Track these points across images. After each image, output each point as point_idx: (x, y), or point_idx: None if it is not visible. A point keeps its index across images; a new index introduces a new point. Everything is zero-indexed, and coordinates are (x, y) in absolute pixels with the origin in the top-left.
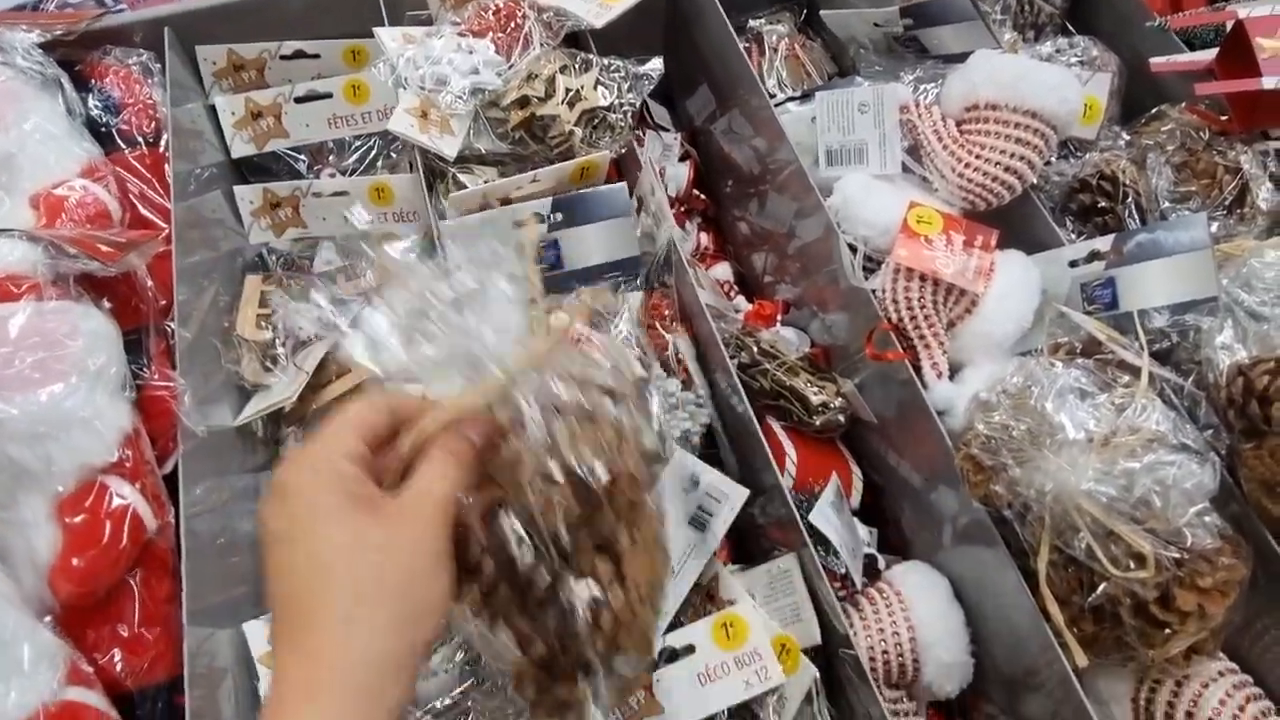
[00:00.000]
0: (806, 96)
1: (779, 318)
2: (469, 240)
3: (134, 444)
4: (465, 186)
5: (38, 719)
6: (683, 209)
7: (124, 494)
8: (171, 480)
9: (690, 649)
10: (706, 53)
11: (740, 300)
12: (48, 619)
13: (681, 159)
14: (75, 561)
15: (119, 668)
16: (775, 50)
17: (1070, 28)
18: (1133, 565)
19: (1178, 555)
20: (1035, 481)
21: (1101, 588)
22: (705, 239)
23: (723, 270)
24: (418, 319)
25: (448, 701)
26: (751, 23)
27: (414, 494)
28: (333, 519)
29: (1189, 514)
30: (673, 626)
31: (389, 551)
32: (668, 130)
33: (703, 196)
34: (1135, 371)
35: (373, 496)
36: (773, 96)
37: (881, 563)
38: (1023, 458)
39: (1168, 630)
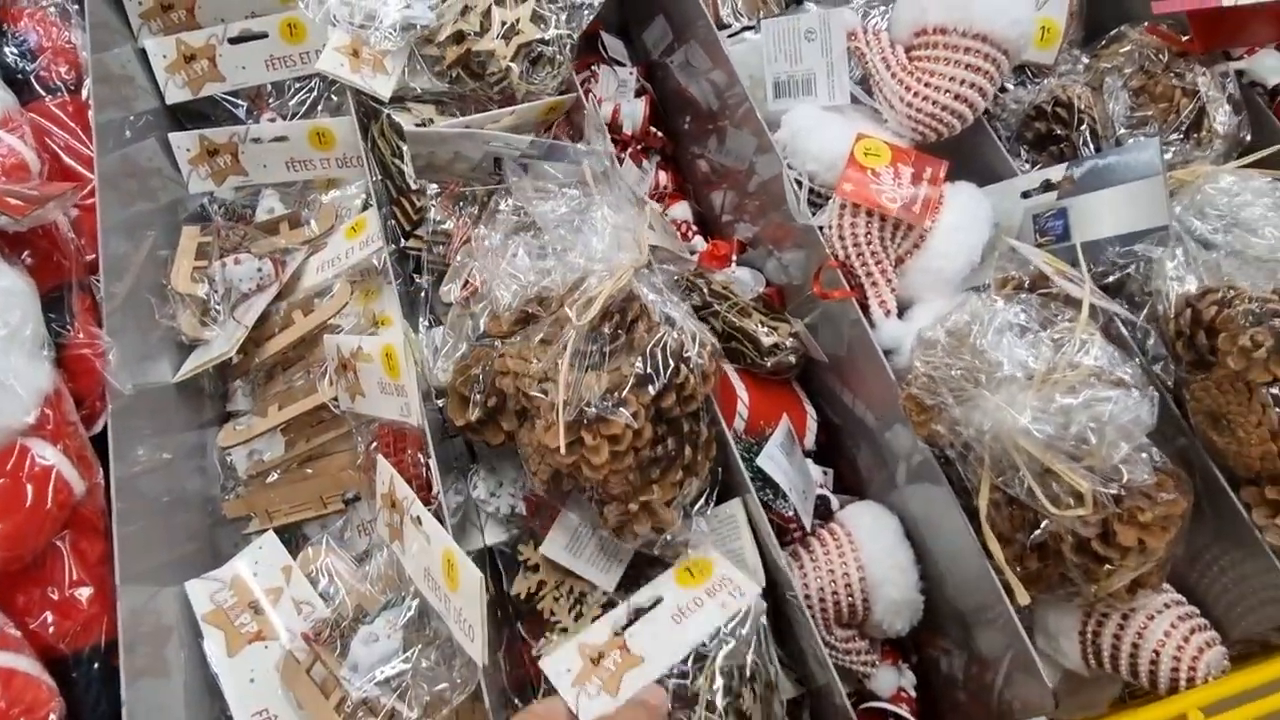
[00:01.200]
0: None
1: (734, 258)
2: (536, 172)
3: (55, 405)
4: (400, 127)
5: None
6: (640, 147)
7: (46, 456)
8: (103, 440)
9: (658, 601)
10: None
11: (698, 240)
12: None
13: (638, 94)
14: None
15: (51, 631)
16: None
17: None
18: (1072, 503)
19: (1116, 492)
20: (974, 420)
21: (1043, 525)
22: (664, 177)
23: (681, 210)
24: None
25: (390, 672)
26: None
27: None
28: None
29: (1125, 450)
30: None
31: None
32: (623, 64)
33: (660, 134)
34: (1081, 306)
35: None
36: (727, 26)
37: (835, 503)
38: (962, 396)
39: (1109, 566)
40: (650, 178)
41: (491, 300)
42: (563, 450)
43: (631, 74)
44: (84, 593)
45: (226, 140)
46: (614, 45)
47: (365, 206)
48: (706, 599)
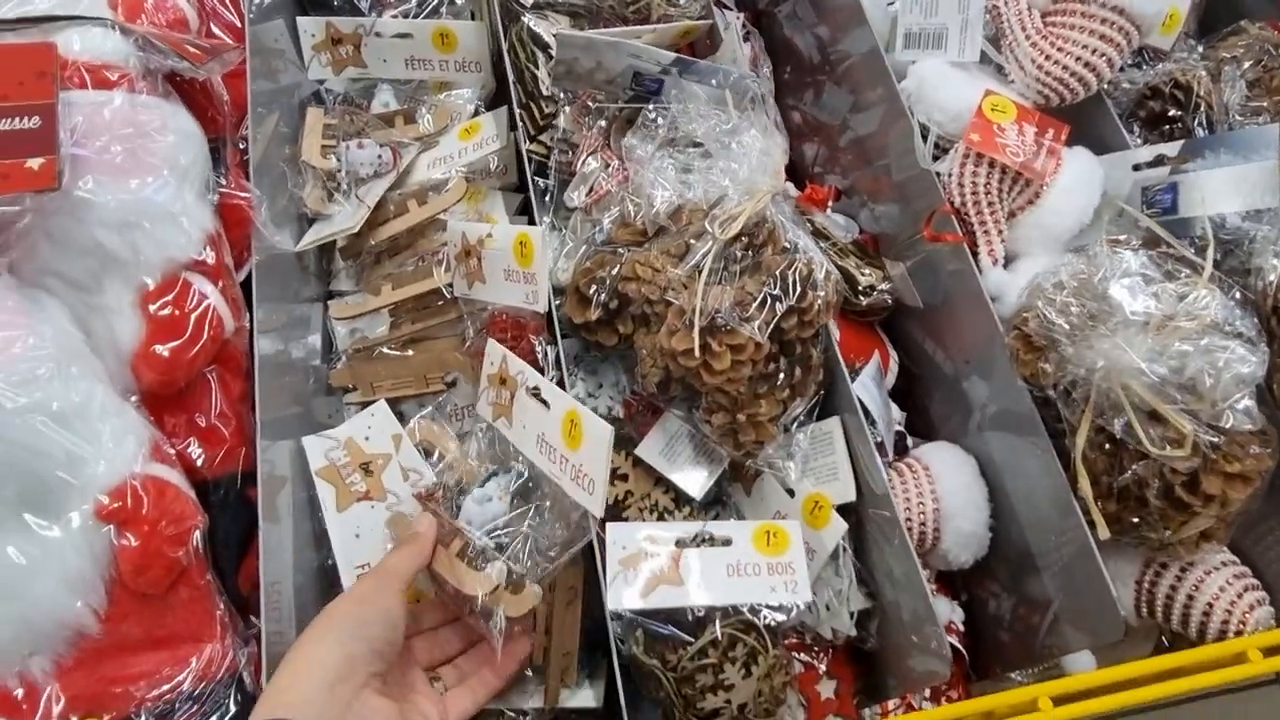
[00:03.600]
0: None
1: (830, 204)
2: (689, 94)
3: (216, 245)
4: (538, 34)
5: (124, 488)
6: None
7: (206, 292)
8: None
9: (727, 542)
10: None
11: (789, 187)
12: (133, 398)
13: (744, 39)
14: (158, 350)
15: (194, 456)
16: None
17: None
18: (1169, 447)
19: (1214, 439)
20: (1087, 359)
21: (1133, 469)
22: None
23: None
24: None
25: (501, 522)
26: None
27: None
28: None
29: (1234, 398)
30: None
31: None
32: (730, 9)
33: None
34: (1194, 269)
35: None
36: None
37: (910, 442)
38: (1078, 336)
39: (1192, 511)
40: None
41: (624, 208)
42: (697, 353)
43: (739, 19)
44: (226, 425)
45: (352, 30)
46: None
47: (477, 112)
48: (765, 575)
